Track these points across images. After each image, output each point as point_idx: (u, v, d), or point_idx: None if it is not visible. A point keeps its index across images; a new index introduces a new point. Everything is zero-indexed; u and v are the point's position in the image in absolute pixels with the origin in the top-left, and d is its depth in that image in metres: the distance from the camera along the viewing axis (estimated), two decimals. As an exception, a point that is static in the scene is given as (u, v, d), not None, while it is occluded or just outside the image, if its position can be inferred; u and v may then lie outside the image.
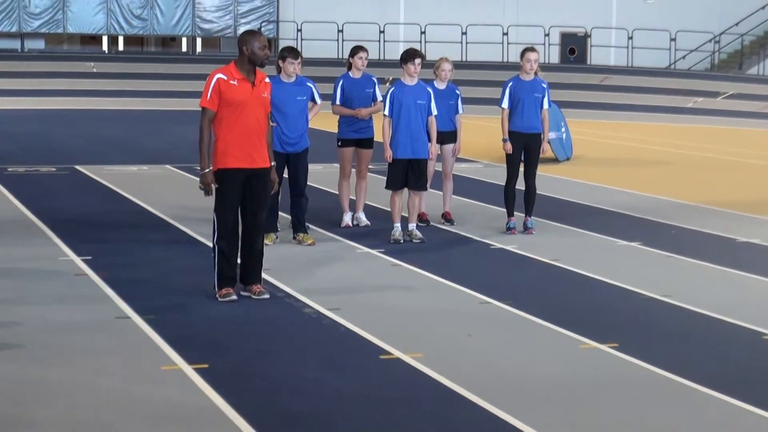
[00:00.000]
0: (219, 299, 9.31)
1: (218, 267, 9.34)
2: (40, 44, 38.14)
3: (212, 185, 9.18)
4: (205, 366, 7.51)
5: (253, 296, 9.41)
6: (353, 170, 13.35)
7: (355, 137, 13.12)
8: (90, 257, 11.14)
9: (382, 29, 37.72)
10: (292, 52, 12.18)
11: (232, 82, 9.17)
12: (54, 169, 18.43)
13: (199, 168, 9.40)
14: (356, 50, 13.31)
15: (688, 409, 6.91)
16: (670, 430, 6.54)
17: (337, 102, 12.98)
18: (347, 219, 13.19)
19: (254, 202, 9.40)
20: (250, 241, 9.48)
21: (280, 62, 12.01)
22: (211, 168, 9.17)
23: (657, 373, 7.60)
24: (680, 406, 6.96)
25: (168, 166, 18.95)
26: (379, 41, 37.21)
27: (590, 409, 6.90)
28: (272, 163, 9.67)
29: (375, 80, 13.34)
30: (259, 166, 9.34)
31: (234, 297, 9.33)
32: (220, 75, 9.18)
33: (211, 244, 9.75)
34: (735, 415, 6.76)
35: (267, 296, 9.47)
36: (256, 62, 9.25)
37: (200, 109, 9.28)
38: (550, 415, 6.71)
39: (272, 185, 9.79)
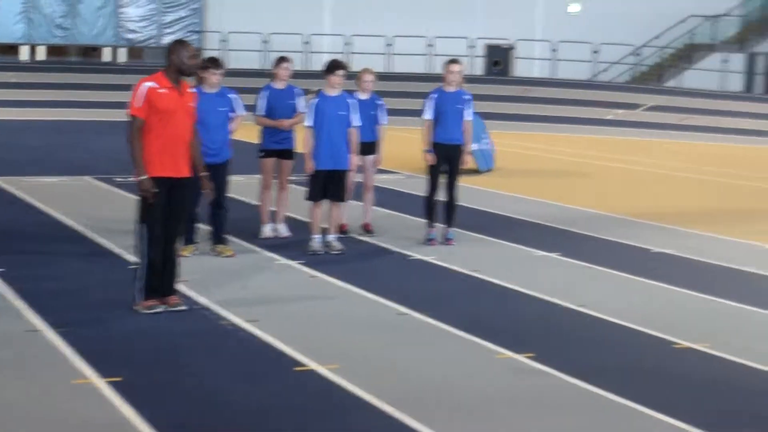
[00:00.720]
0: (143, 311, 9.21)
1: (146, 278, 9.23)
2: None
3: (153, 190, 9.01)
4: (119, 379, 7.41)
5: (169, 308, 9.32)
6: (274, 181, 13.32)
7: (276, 148, 13.07)
8: (3, 269, 10.91)
9: (306, 40, 37.71)
10: (215, 63, 12.14)
11: (161, 90, 9.12)
12: (-31, 180, 18.12)
13: (135, 176, 9.20)
14: (280, 61, 13.29)
15: (602, 418, 7.00)
16: (583, 439, 6.61)
17: (260, 113, 12.94)
18: (267, 230, 13.13)
19: (176, 212, 9.33)
20: (167, 250, 9.37)
21: (202, 73, 11.94)
22: (146, 175, 9.03)
23: (572, 382, 7.68)
24: (594, 415, 7.05)
25: (87, 178, 18.68)
26: (303, 52, 37.19)
27: (506, 419, 6.94)
28: (204, 173, 9.69)
29: (298, 91, 13.30)
30: (184, 176, 9.30)
31: (160, 308, 9.25)
32: (149, 83, 9.12)
33: (134, 257, 9.67)
34: (646, 423, 6.86)
35: (184, 308, 9.39)
36: (185, 71, 9.23)
37: (129, 118, 9.16)
38: (465, 425, 6.75)
39: (209, 192, 9.97)
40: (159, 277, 9.30)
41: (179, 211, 9.40)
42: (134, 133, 9.10)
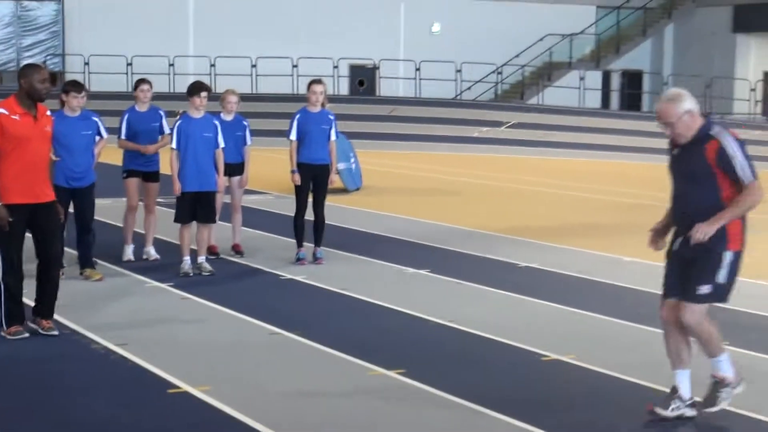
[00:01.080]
0: (8, 337, 9.07)
1: (5, 304, 9.08)
2: None
3: (7, 218, 8.85)
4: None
5: (41, 331, 9.20)
6: (141, 203, 13.16)
7: (141, 170, 12.96)
8: None
9: (171, 62, 37.37)
10: (76, 86, 11.99)
11: (13, 116, 8.96)
12: None
13: None
14: (139, 83, 13.22)
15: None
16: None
17: (123, 136, 12.80)
18: (129, 252, 13.02)
19: (46, 236, 9.24)
20: (48, 274, 9.31)
21: (64, 96, 11.79)
22: (1, 202, 8.89)
23: (443, 396, 7.74)
24: (467, 429, 7.11)
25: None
26: (168, 74, 36.84)
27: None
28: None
29: (162, 113, 13.19)
30: (44, 201, 9.17)
31: (26, 334, 9.14)
32: (0, 110, 8.95)
33: None
34: (516, 435, 6.95)
35: (56, 333, 9.28)
36: (35, 97, 9.06)
37: None
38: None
39: (59, 215, 9.69)
40: (19, 303, 9.17)
41: (50, 233, 9.29)
42: None
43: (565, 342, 9.32)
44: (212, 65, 37.39)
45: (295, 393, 7.86)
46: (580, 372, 8.52)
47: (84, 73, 35.13)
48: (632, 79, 44.38)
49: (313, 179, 13.02)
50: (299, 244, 13.16)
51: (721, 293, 6.93)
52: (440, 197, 21.42)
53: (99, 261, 12.29)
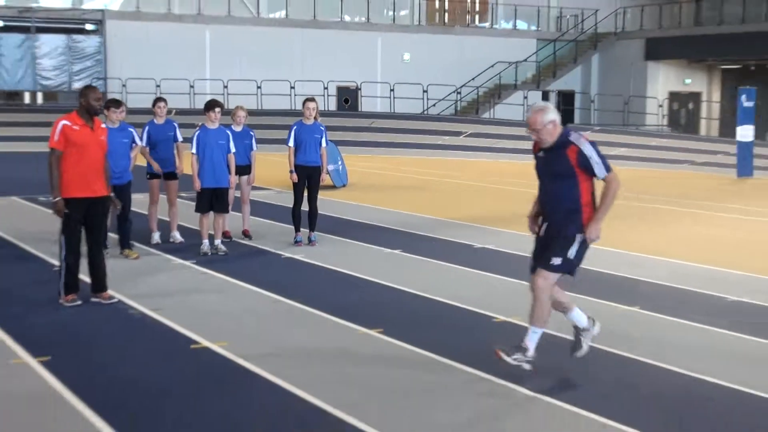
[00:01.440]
0: (65, 304, 9.13)
1: (65, 278, 9.17)
2: None
3: (63, 210, 8.99)
4: (48, 359, 7.36)
5: (104, 302, 9.33)
6: (163, 197, 13.18)
7: (162, 170, 12.92)
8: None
9: (192, 84, 37.25)
10: (116, 103, 11.98)
11: (75, 127, 9.06)
12: None
13: (51, 197, 9.13)
14: (156, 101, 13.22)
15: (444, 379, 7.13)
16: (429, 401, 6.72)
17: (144, 144, 12.73)
18: (156, 237, 12.99)
19: (94, 224, 9.30)
20: (93, 255, 9.37)
21: (106, 111, 11.78)
22: (60, 197, 8.97)
23: (413, 350, 7.83)
24: (431, 374, 7.16)
25: (14, 198, 18.20)
26: (189, 94, 36.74)
27: (361, 375, 7.02)
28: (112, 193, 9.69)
29: (176, 125, 13.12)
30: (98, 195, 9.24)
31: (78, 302, 9.20)
32: (64, 121, 9.06)
33: (57, 261, 9.58)
34: (471, 377, 7.02)
35: (116, 300, 9.40)
36: (92, 111, 9.15)
37: (49, 149, 9.06)
38: (335, 387, 6.80)
39: (116, 206, 10.03)
40: (76, 277, 9.23)
41: (98, 223, 9.37)
42: (53, 162, 9.02)
43: (511, 307, 9.37)
44: (225, 86, 37.30)
45: (295, 347, 7.93)
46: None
47: (122, 93, 34.92)
48: (566, 98, 44.43)
49: (307, 178, 13.01)
50: (297, 230, 13.16)
51: (570, 266, 7.02)
52: (411, 192, 21.38)
53: (135, 243, 12.27)
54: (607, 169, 6.90)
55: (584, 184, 6.95)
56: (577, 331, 7.31)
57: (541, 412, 6.42)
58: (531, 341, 7.05)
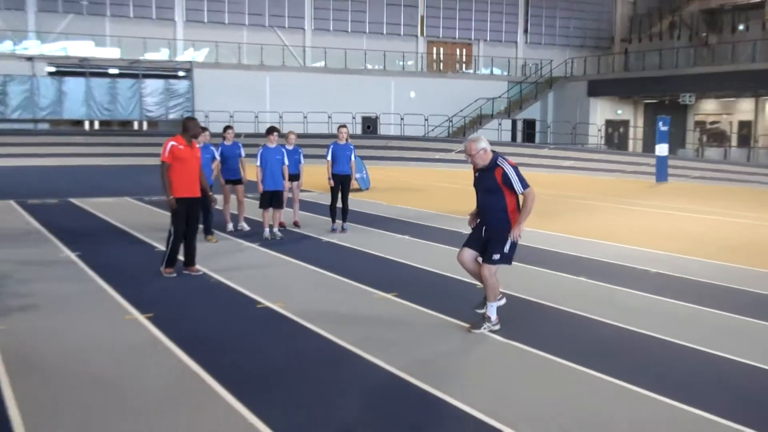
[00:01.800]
0: (165, 275, 9.18)
1: (169, 256, 9.23)
2: (45, 126, 36.14)
3: (174, 206, 9.11)
4: (152, 315, 7.37)
5: (192, 273, 9.37)
6: (233, 197, 13.19)
7: (231, 178, 12.96)
8: (80, 252, 10.70)
9: (256, 115, 37.26)
10: (203, 129, 11.98)
11: (179, 146, 9.14)
12: (55, 201, 17.51)
13: (165, 197, 9.19)
14: (225, 128, 13.16)
15: (440, 324, 7.04)
16: (429, 339, 6.67)
17: (216, 159, 12.55)
18: (229, 227, 12.96)
19: (191, 216, 9.35)
20: (190, 239, 9.43)
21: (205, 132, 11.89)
22: (172, 196, 9.09)
23: (420, 309, 7.78)
24: (432, 327, 7.08)
25: (127, 198, 18.27)
26: (254, 122, 36.74)
27: (376, 332, 6.95)
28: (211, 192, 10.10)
29: (240, 145, 13.01)
30: (196, 196, 9.33)
31: (174, 274, 9.25)
32: (172, 142, 9.16)
33: (158, 244, 9.71)
34: (459, 329, 6.94)
35: (201, 272, 9.43)
36: (192, 135, 9.26)
37: (161, 162, 9.14)
38: (353, 329, 6.75)
39: (213, 201, 10.49)
40: (176, 254, 9.30)
41: (195, 215, 9.43)
42: (164, 172, 9.11)
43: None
44: (280, 116, 37.26)
45: (331, 305, 7.91)
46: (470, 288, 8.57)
47: (205, 121, 34.97)
48: (529, 124, 44.13)
49: (341, 183, 12.99)
50: (333, 221, 13.15)
51: (507, 259, 6.88)
52: (415, 193, 21.32)
53: (215, 231, 12.28)
54: (524, 186, 6.76)
55: (509, 197, 6.81)
56: (485, 319, 7.02)
57: (511, 351, 6.40)
58: (492, 313, 6.96)
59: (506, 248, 6.83)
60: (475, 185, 7.06)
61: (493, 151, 6.91)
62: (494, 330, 6.93)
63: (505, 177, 6.76)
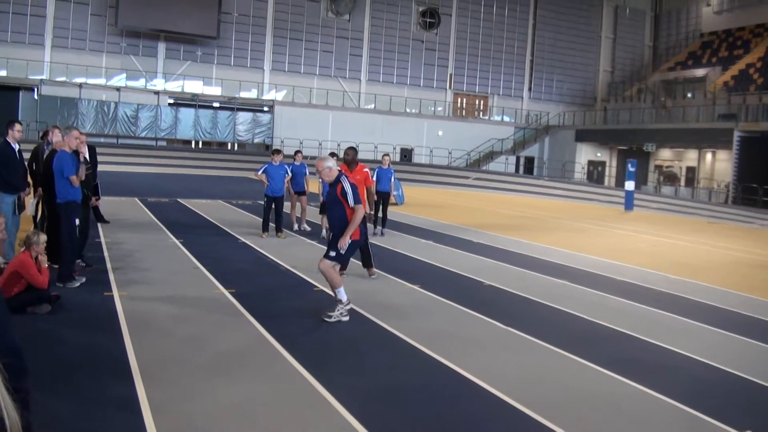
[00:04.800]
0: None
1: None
2: (163, 143, 36.81)
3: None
4: (234, 290, 7.38)
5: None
6: (299, 204, 13.16)
7: (296, 190, 12.93)
8: (182, 240, 10.82)
9: (320, 143, 37.51)
10: (278, 152, 12.05)
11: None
12: (167, 200, 17.81)
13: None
14: (295, 153, 13.00)
15: (452, 318, 6.93)
16: (444, 318, 6.59)
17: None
18: (295, 227, 12.95)
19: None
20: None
21: (274, 155, 11.87)
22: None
23: (436, 298, 7.64)
24: (446, 313, 7.00)
25: (220, 201, 18.50)
26: (318, 148, 36.96)
27: (410, 317, 6.87)
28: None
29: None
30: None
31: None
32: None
33: (241, 238, 9.63)
34: (466, 314, 6.83)
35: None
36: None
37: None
38: (391, 316, 6.69)
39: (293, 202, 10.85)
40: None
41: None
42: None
43: (494, 276, 9.23)
44: (338, 144, 37.41)
45: (369, 289, 7.82)
46: (496, 290, 8.46)
47: (282, 146, 35.26)
48: (529, 161, 43.56)
49: (382, 199, 12.97)
50: (374, 227, 13.08)
51: (340, 258, 6.39)
52: (441, 209, 21.17)
53: (285, 229, 12.32)
54: (356, 202, 6.30)
55: (348, 209, 6.35)
56: (337, 302, 6.39)
57: (507, 334, 6.31)
58: (341, 295, 6.33)
59: (342, 250, 6.31)
60: (326, 197, 6.69)
61: (339, 170, 6.45)
62: (347, 310, 6.32)
63: (343, 191, 6.31)
